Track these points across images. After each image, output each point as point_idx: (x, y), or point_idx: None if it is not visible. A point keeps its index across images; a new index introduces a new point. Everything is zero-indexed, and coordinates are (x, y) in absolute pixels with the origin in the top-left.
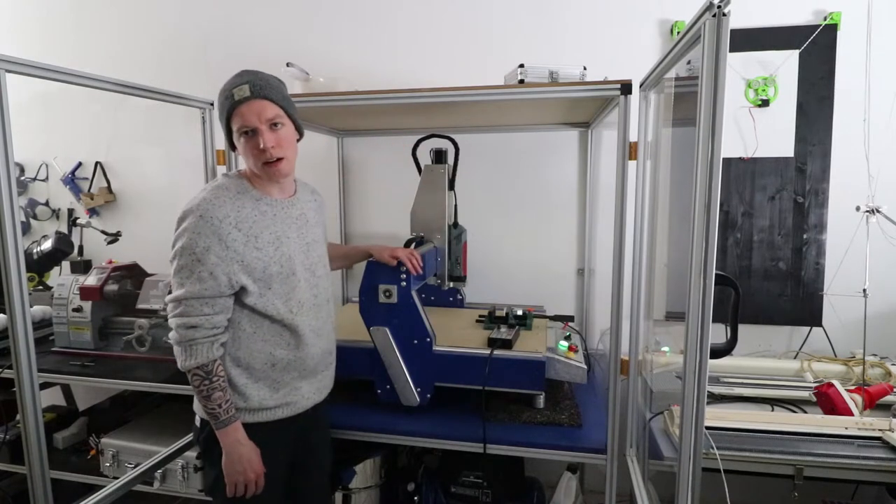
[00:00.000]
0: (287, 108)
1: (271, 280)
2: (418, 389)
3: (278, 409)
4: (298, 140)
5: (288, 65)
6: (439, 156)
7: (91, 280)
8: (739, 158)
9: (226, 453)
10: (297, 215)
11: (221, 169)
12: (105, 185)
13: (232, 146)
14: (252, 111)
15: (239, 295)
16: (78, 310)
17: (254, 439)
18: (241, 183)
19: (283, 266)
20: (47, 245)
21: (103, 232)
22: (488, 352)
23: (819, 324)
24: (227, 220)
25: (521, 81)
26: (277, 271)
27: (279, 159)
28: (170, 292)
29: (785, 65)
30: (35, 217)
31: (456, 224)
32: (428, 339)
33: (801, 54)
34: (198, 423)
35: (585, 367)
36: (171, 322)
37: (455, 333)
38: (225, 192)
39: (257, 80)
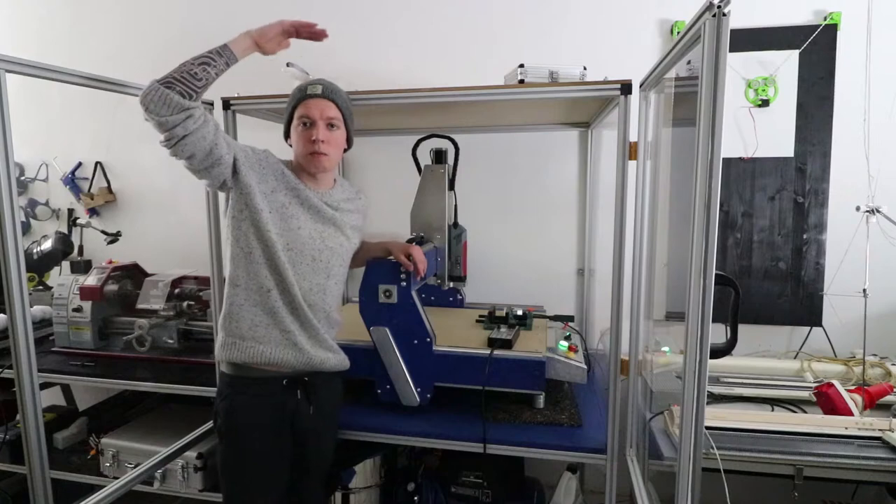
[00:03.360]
0: (346, 117)
1: (268, 224)
2: (418, 389)
3: (251, 349)
4: (347, 150)
5: (288, 65)
6: (439, 156)
7: (91, 280)
8: (739, 158)
9: (247, 37)
10: (320, 206)
11: None
12: (105, 185)
13: (285, 134)
14: (317, 106)
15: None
16: (78, 310)
17: (240, 403)
18: (289, 165)
19: (285, 222)
20: (47, 245)
21: (103, 232)
22: (488, 352)
23: (819, 324)
24: (267, 160)
25: (521, 81)
26: (275, 220)
27: (324, 154)
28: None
29: (785, 65)
30: (35, 217)
31: (456, 224)
32: (428, 339)
33: (801, 54)
34: (215, 402)
35: (585, 367)
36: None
37: (455, 333)
38: (278, 159)
39: (330, 86)
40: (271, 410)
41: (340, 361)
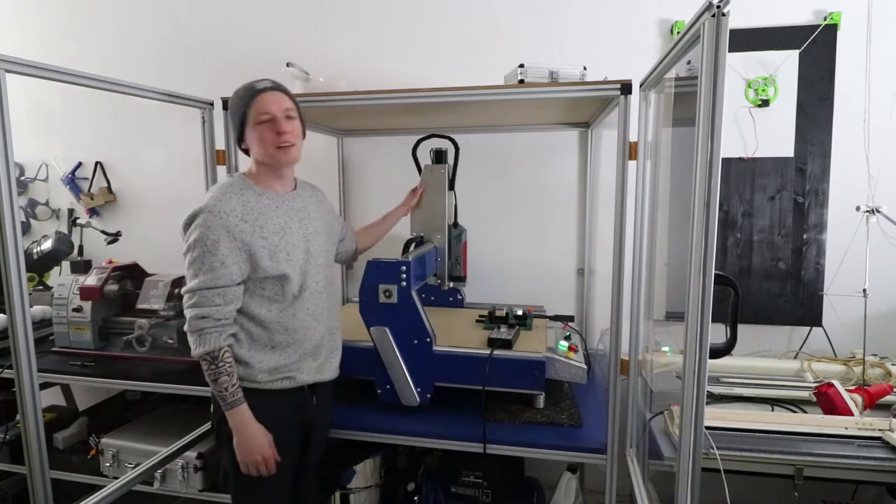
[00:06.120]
0: (298, 107)
1: (280, 265)
2: (418, 389)
3: (276, 382)
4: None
5: (288, 65)
6: (439, 156)
7: (91, 280)
8: (739, 158)
9: (235, 434)
10: (298, 207)
11: (221, 169)
12: (105, 185)
13: (239, 140)
14: (273, 100)
15: (247, 281)
16: (78, 310)
17: (254, 406)
18: (244, 180)
19: (290, 254)
20: (47, 245)
21: (103, 232)
22: (488, 352)
23: (819, 324)
24: (234, 213)
25: (521, 81)
26: (285, 258)
27: (291, 145)
28: (183, 285)
29: (785, 65)
30: (35, 217)
31: (456, 224)
32: (428, 339)
33: (801, 54)
34: (212, 408)
35: (585, 367)
36: (186, 312)
37: (455, 333)
38: (230, 189)
39: (276, 80)
40: (282, 407)
41: (337, 369)
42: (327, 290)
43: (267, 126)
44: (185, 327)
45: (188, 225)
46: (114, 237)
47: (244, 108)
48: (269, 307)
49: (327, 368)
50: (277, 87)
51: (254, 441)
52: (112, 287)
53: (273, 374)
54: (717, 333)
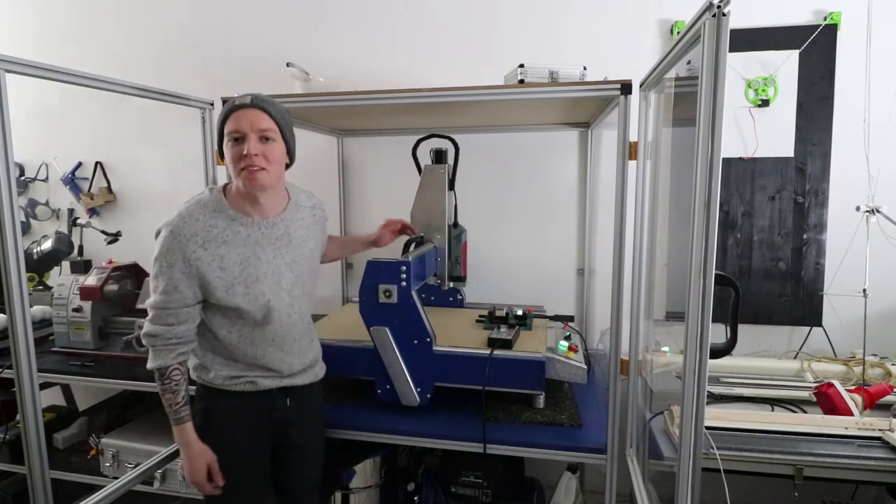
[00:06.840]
0: (283, 128)
1: (235, 298)
2: (418, 389)
3: (237, 385)
4: (288, 166)
5: (288, 65)
6: (439, 156)
7: (91, 280)
8: (739, 158)
9: (181, 450)
10: (277, 235)
11: (221, 169)
12: (105, 185)
13: (221, 155)
14: (246, 117)
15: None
16: (78, 310)
17: (218, 405)
18: (220, 201)
19: (249, 287)
20: (47, 245)
21: (103, 232)
22: (488, 352)
23: (819, 324)
24: (195, 238)
25: (521, 81)
26: (241, 292)
27: (261, 169)
28: None
29: (785, 65)
30: (35, 217)
31: (456, 224)
32: (428, 339)
33: (801, 54)
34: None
35: (585, 367)
36: (143, 325)
37: (455, 333)
38: (201, 209)
39: (261, 96)
40: (250, 407)
41: (318, 373)
42: (303, 323)
43: (236, 146)
44: (141, 339)
45: (157, 235)
46: (114, 237)
47: (221, 123)
48: (230, 329)
49: (300, 375)
50: (258, 105)
51: (192, 462)
52: (112, 287)
53: (233, 379)
54: (717, 333)
